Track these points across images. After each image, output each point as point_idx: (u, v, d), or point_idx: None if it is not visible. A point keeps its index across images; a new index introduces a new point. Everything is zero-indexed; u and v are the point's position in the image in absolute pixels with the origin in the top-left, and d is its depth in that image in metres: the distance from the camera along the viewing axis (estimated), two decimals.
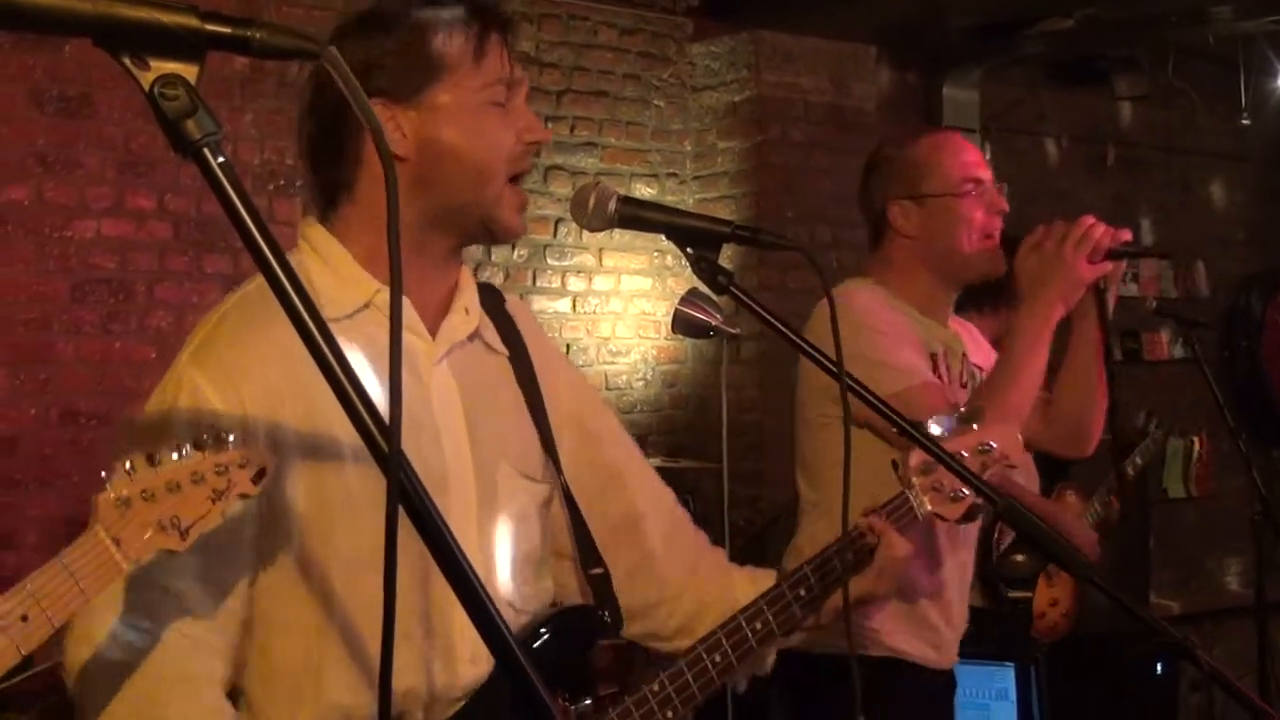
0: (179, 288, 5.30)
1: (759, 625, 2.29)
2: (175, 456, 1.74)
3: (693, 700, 2.25)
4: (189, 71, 1.23)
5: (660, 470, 5.29)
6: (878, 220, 3.34)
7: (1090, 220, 2.99)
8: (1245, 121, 7.39)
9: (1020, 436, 2.71)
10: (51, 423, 5.01)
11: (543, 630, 2.21)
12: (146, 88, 1.22)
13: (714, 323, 4.18)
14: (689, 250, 2.27)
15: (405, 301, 2.07)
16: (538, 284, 6.19)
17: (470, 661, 2.12)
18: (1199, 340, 5.09)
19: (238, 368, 2.00)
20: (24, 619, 1.62)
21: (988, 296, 5.21)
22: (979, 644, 4.96)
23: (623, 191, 2.33)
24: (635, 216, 2.29)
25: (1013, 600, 4.44)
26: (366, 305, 2.09)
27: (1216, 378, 4.77)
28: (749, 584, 2.41)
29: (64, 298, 5.05)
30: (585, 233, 6.24)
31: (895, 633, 3.21)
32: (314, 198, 2.20)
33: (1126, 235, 3.03)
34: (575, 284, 6.30)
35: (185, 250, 5.32)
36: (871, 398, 2.30)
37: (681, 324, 4.23)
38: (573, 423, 2.35)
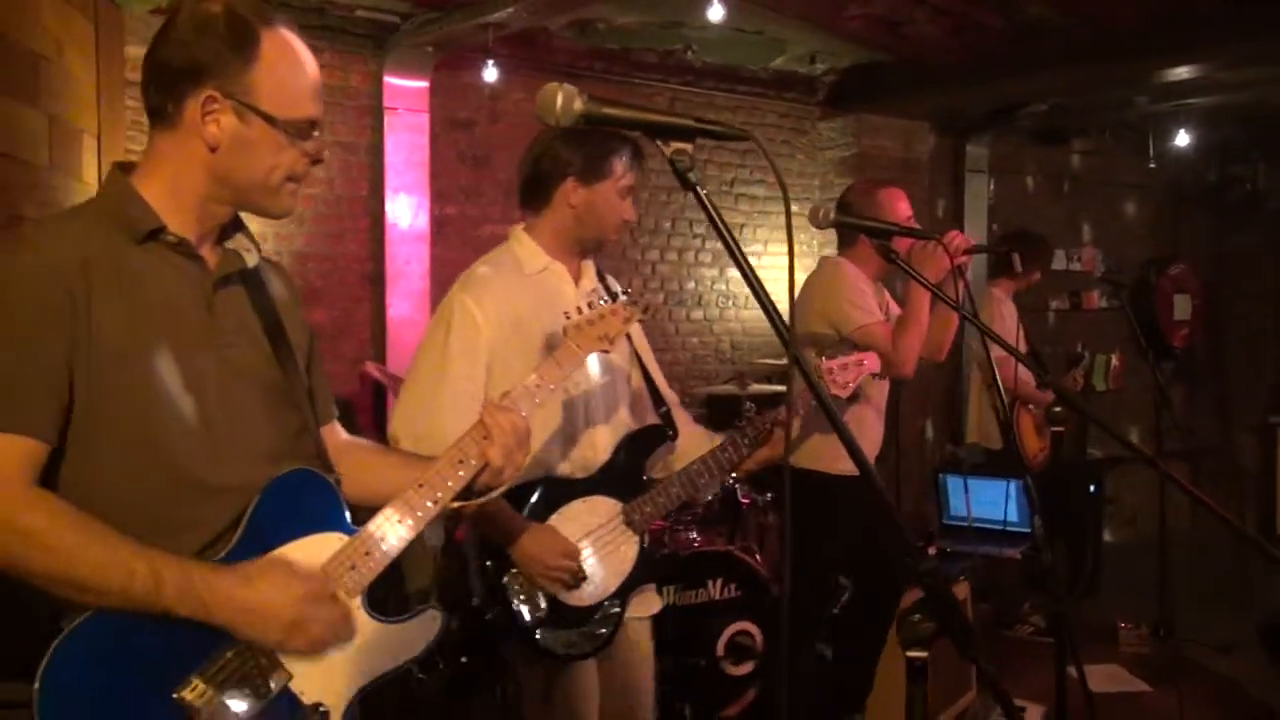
0: None
1: (728, 453, 2.41)
2: (602, 302, 1.99)
3: (695, 491, 2.39)
4: (688, 147, 1.36)
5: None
6: (849, 231, 3.39)
7: (953, 233, 2.85)
8: (1151, 165, 7.22)
9: (879, 359, 2.72)
10: None
11: (641, 430, 2.39)
12: (668, 154, 1.34)
13: None
14: (876, 241, 2.42)
15: None
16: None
17: (605, 451, 2.32)
18: (1120, 296, 5.04)
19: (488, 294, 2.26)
20: (537, 385, 1.84)
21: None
22: (996, 468, 5.05)
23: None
24: (843, 221, 2.44)
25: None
26: (544, 269, 2.32)
27: (1130, 319, 4.74)
28: (713, 440, 2.48)
29: None
30: (757, 230, 6.36)
31: (837, 459, 3.19)
32: (523, 207, 2.38)
33: (971, 241, 2.87)
34: (751, 260, 6.35)
35: None
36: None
37: None
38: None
